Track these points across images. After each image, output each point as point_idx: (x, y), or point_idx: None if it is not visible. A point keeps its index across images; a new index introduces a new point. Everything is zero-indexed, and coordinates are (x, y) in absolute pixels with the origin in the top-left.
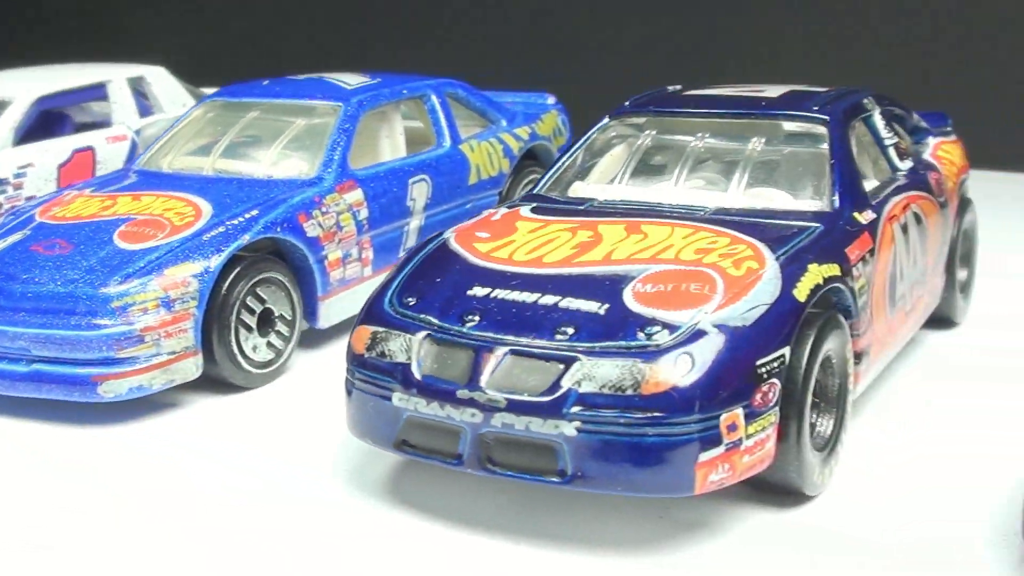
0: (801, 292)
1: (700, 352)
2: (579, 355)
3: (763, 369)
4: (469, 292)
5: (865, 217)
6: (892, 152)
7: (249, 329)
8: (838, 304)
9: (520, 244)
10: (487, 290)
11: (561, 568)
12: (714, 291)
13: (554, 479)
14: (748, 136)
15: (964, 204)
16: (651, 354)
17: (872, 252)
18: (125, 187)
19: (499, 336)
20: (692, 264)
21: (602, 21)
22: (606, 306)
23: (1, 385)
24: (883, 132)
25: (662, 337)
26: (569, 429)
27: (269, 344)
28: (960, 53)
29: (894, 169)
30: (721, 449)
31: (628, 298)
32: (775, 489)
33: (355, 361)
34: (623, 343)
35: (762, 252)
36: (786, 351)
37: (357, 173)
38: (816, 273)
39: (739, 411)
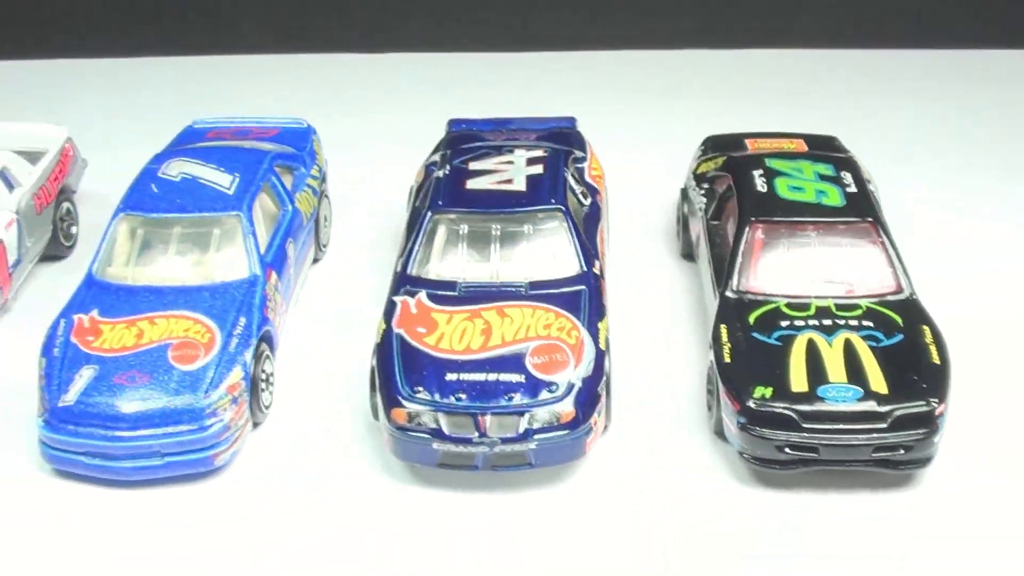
0: (601, 343)
1: (578, 396)
2: (526, 409)
3: (600, 391)
4: (447, 378)
5: (597, 267)
6: (581, 198)
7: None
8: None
9: (448, 334)
10: (455, 375)
11: None
12: (568, 357)
13: (527, 468)
14: (522, 223)
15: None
16: (557, 401)
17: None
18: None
19: (481, 405)
20: (547, 339)
21: None
22: (523, 376)
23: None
24: (575, 187)
25: (559, 391)
26: (532, 446)
27: None
28: None
29: (585, 208)
30: (593, 433)
31: (532, 369)
32: None
33: (397, 426)
34: (542, 397)
35: (575, 323)
36: (604, 379)
37: (268, 260)
38: (603, 327)
39: (597, 416)
